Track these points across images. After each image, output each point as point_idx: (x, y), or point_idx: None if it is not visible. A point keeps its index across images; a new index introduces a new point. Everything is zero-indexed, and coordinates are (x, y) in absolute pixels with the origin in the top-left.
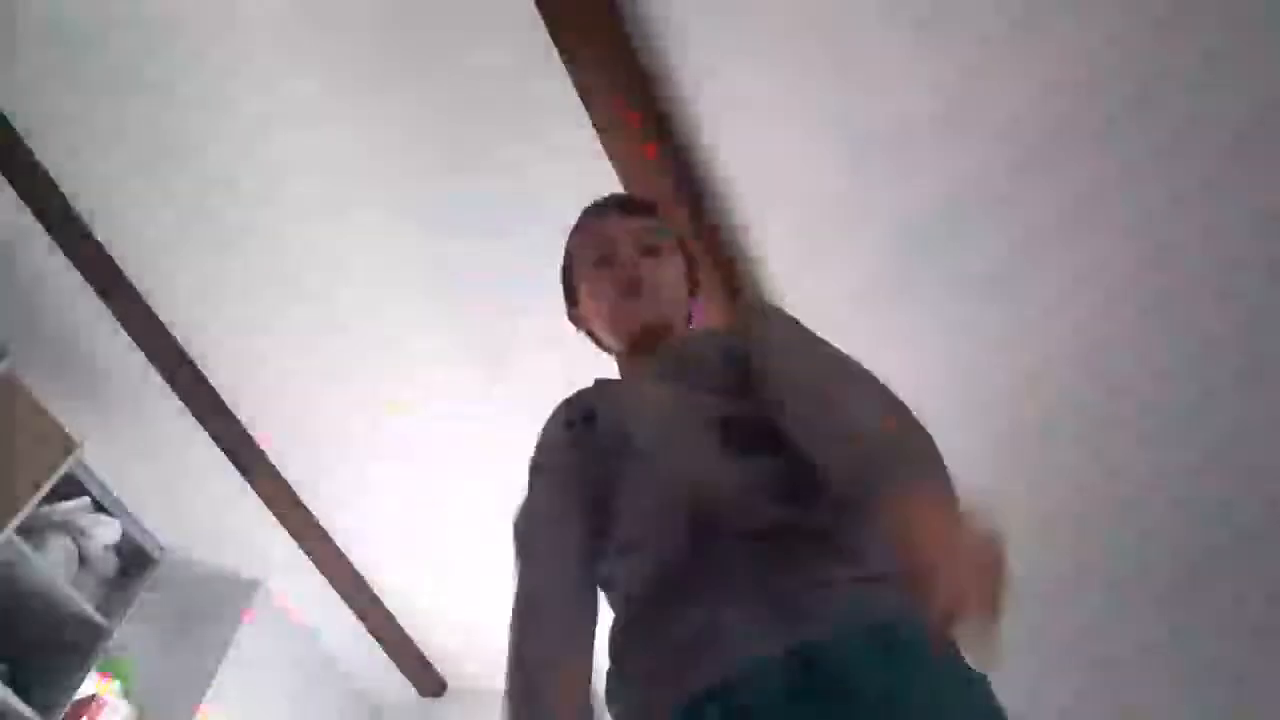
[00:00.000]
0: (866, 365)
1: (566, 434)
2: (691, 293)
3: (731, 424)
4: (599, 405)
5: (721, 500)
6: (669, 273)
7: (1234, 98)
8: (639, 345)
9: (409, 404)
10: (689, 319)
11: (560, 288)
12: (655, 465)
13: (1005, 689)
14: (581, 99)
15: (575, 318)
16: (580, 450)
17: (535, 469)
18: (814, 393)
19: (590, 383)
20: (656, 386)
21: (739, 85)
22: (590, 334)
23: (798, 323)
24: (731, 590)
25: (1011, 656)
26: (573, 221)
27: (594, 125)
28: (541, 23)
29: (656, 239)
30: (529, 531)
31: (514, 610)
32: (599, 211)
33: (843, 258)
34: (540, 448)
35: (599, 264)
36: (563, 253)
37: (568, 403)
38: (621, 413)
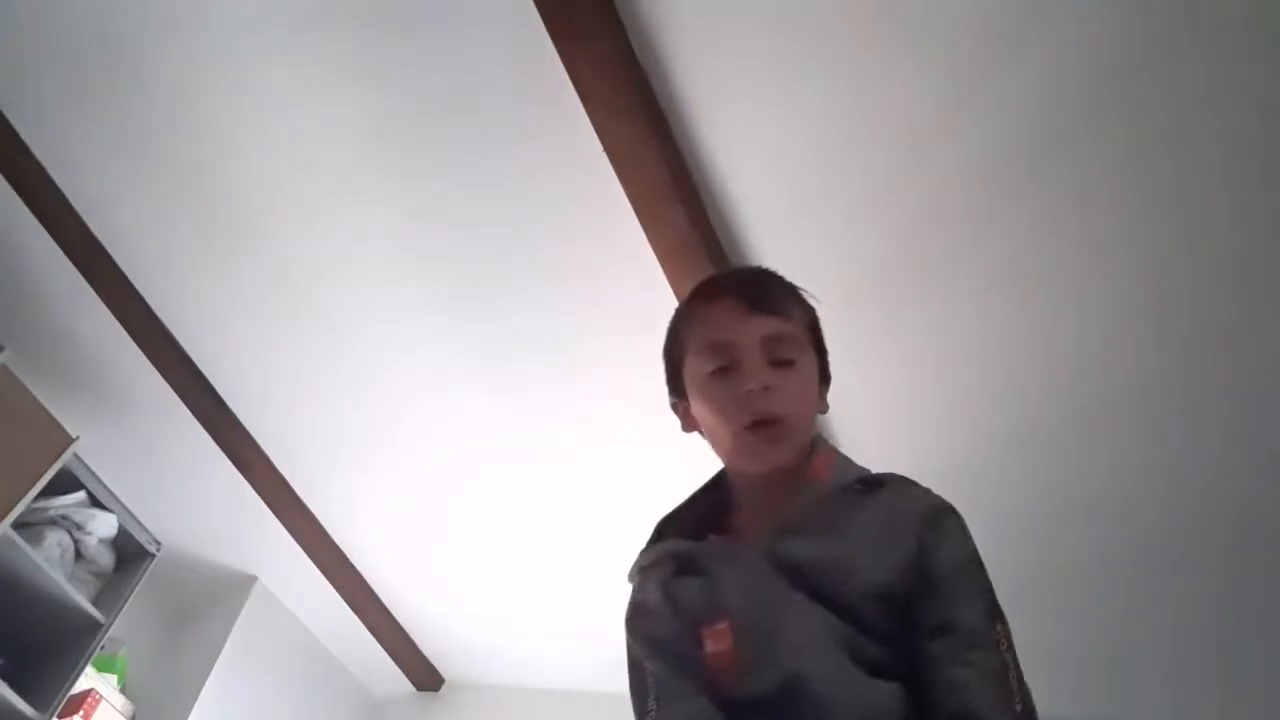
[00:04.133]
0: (861, 365)
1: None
2: (823, 389)
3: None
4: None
5: None
6: (802, 386)
7: (1219, 97)
8: (768, 483)
9: (408, 401)
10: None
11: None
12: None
13: None
14: (579, 95)
15: (679, 410)
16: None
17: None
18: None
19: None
20: (782, 588)
21: (738, 81)
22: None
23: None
24: None
25: None
26: (568, 212)
27: (590, 121)
28: (540, 22)
29: (790, 349)
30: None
31: None
32: (721, 300)
33: (840, 257)
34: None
35: (719, 374)
36: (668, 331)
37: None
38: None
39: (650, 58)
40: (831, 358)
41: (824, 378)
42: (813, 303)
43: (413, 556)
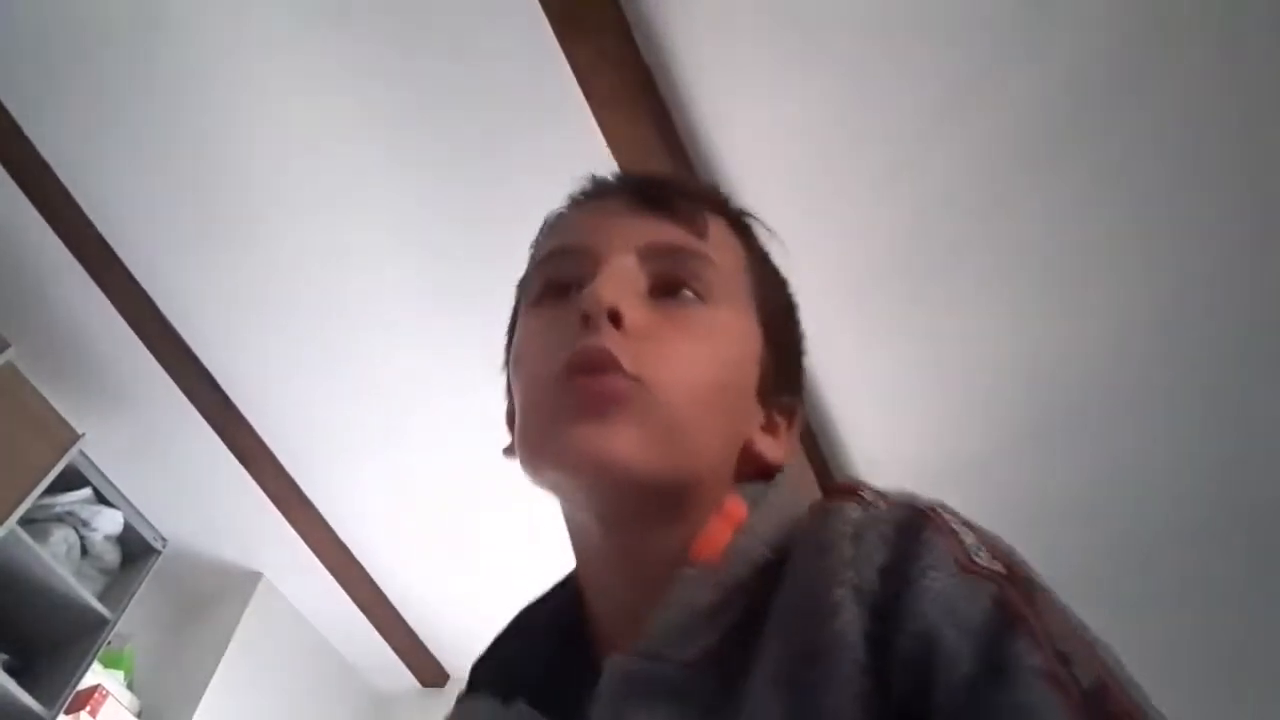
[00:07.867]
0: (860, 363)
1: None
2: (779, 406)
3: None
4: None
5: None
6: (706, 345)
7: (1232, 90)
8: (620, 553)
9: (412, 395)
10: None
11: None
12: None
13: None
14: (582, 91)
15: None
16: None
17: None
18: None
19: None
20: None
21: (743, 77)
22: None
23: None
24: None
25: None
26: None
27: (595, 118)
28: (543, 17)
29: (693, 271)
30: None
31: None
32: (595, 201)
33: (840, 253)
34: None
35: (545, 297)
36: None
37: None
38: None
39: (654, 54)
40: (835, 354)
41: (784, 381)
42: (764, 234)
43: (418, 552)
